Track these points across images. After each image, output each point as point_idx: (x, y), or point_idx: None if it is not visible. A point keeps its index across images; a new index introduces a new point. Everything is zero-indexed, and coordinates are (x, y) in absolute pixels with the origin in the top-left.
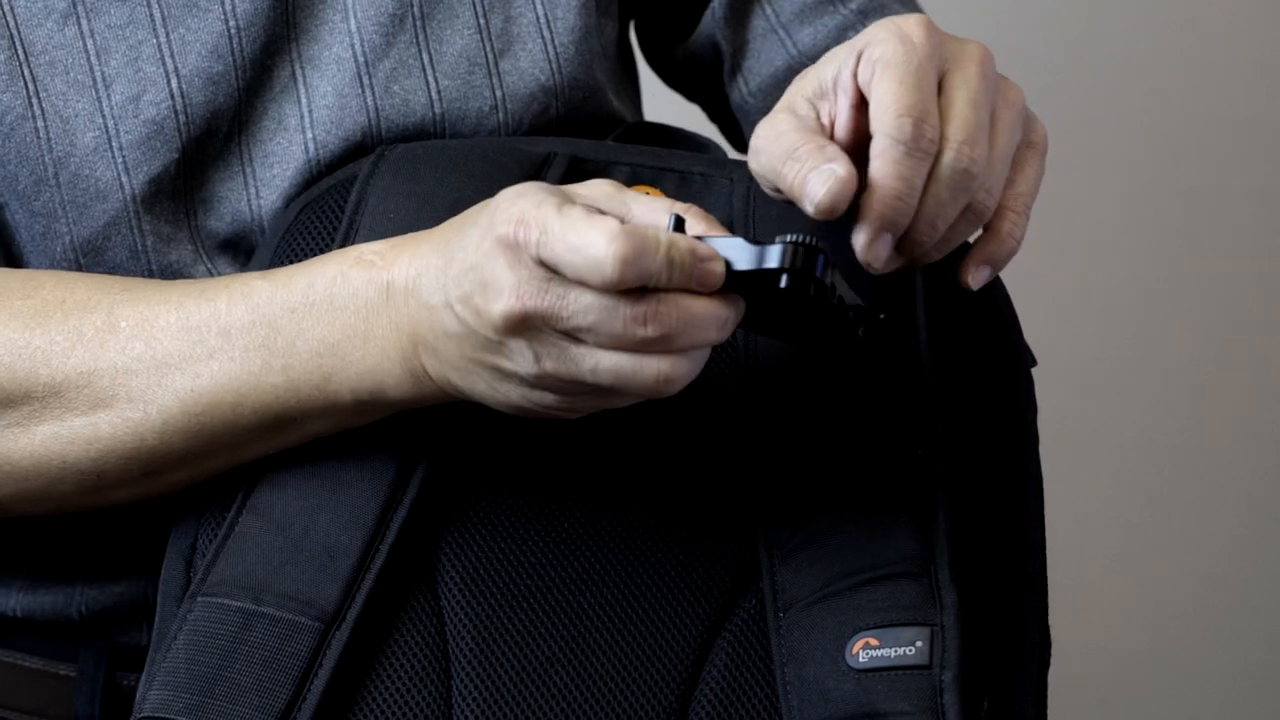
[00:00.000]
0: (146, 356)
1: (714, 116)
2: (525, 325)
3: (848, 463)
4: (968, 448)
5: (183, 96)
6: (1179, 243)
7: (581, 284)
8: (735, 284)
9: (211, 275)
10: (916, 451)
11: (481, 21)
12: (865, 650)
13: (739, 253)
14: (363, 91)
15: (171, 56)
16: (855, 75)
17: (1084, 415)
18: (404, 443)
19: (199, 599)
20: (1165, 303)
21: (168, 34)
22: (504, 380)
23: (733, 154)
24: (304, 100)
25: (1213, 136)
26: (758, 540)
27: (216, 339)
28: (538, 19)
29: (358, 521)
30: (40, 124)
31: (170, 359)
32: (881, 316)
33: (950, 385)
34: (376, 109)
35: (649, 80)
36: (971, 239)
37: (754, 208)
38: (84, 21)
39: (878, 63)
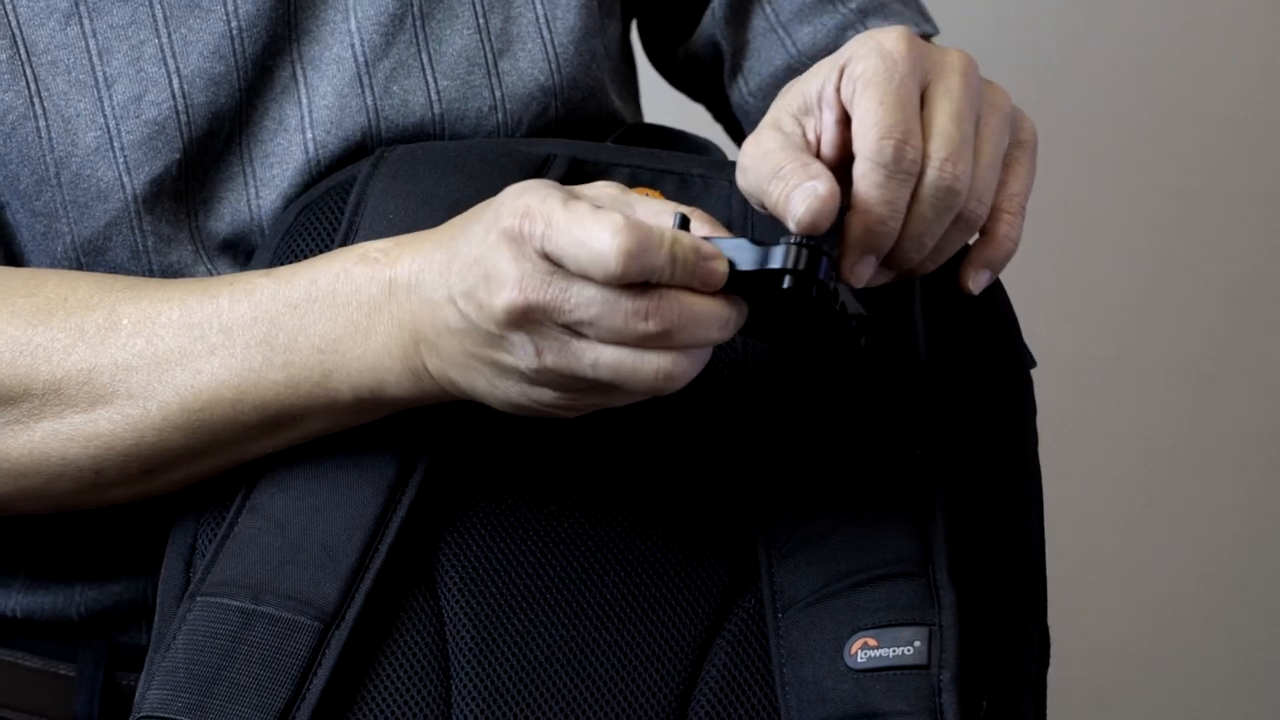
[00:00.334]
0: (147, 353)
1: (718, 116)
2: (527, 318)
3: (846, 463)
4: (967, 448)
5: (184, 97)
6: (1178, 243)
7: (585, 278)
8: (738, 285)
9: (212, 276)
10: (914, 452)
11: (481, 21)
12: (864, 650)
13: (743, 253)
14: (362, 92)
15: (173, 57)
16: (838, 90)
17: (1084, 415)
18: (403, 443)
19: (198, 599)
20: (1165, 303)
21: (169, 34)
22: (504, 376)
23: (733, 156)
24: (304, 100)
25: (1212, 136)
26: (756, 540)
27: (218, 335)
28: (537, 19)
29: (357, 521)
30: (42, 123)
31: (171, 355)
32: (881, 326)
33: (949, 386)
34: (376, 109)
35: (650, 81)
36: (971, 242)
37: (752, 210)
38: (86, 21)
39: (858, 80)
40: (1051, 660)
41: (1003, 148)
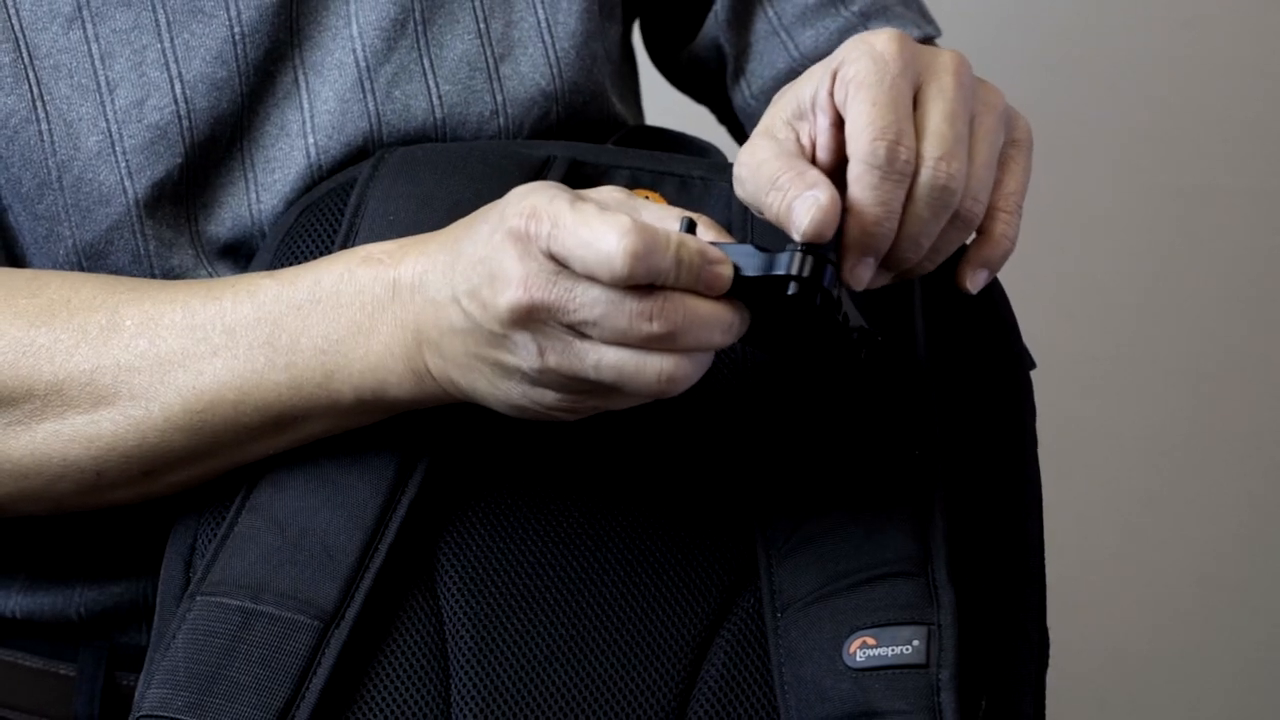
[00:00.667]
0: (150, 354)
1: (722, 119)
2: (531, 318)
3: (845, 463)
4: (966, 449)
5: (186, 102)
6: (1178, 243)
7: (590, 278)
8: (742, 290)
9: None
10: (914, 452)
11: (482, 26)
12: (862, 649)
13: (748, 259)
14: (364, 97)
15: (175, 62)
16: (831, 94)
17: (1083, 416)
18: (403, 443)
19: (198, 598)
20: (1164, 303)
21: (172, 39)
22: (506, 377)
23: (735, 158)
24: (306, 106)
25: (1212, 136)
26: (755, 540)
27: (221, 336)
28: (539, 23)
29: (357, 521)
30: (44, 127)
31: (174, 356)
32: (880, 339)
33: (948, 387)
34: (378, 114)
35: (651, 83)
36: (968, 241)
37: (752, 214)
38: (89, 26)
39: (850, 83)
40: (1051, 660)
41: (998, 146)
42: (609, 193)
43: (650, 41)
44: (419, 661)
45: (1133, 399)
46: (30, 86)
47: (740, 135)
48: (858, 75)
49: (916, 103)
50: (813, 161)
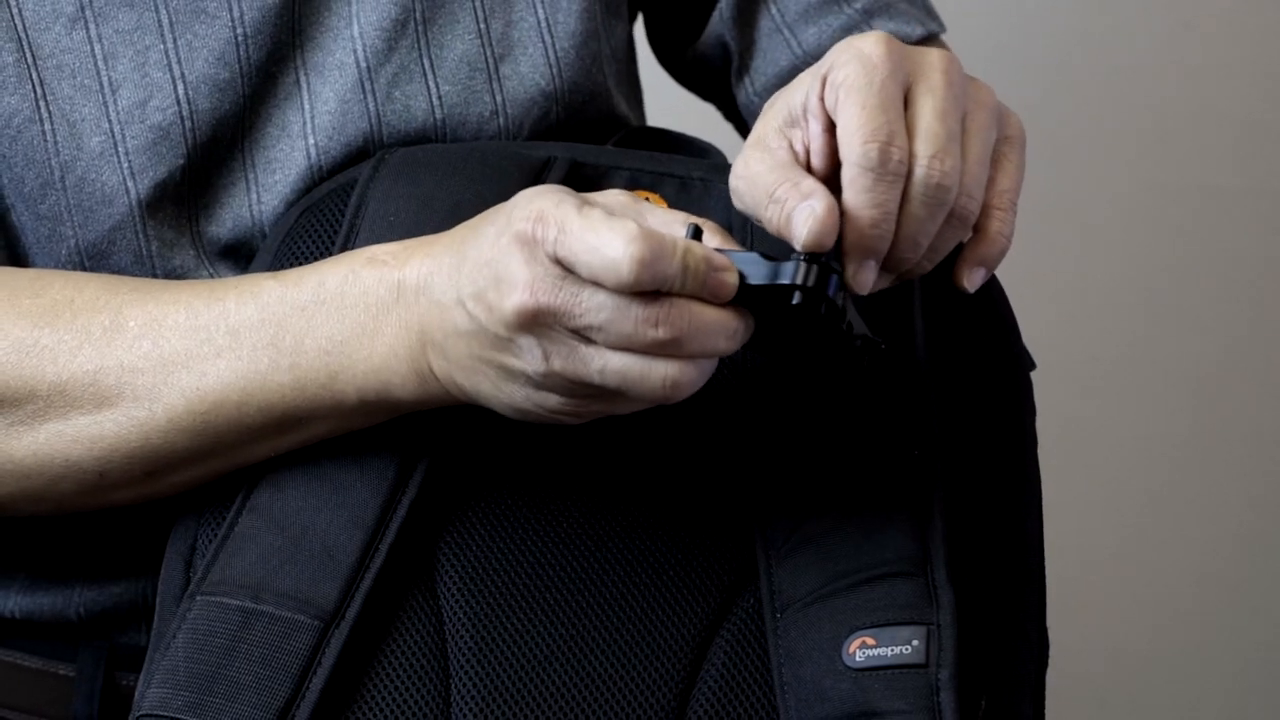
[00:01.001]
0: (153, 355)
1: (728, 116)
2: (536, 321)
3: (844, 463)
4: (966, 450)
5: (189, 103)
6: (1178, 243)
7: (596, 283)
8: (747, 298)
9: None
10: (913, 452)
11: (482, 26)
12: (862, 649)
13: (753, 266)
14: (365, 98)
15: (178, 62)
16: (822, 100)
17: (1083, 416)
18: (404, 443)
19: (198, 598)
20: (1164, 303)
21: (175, 40)
22: (510, 380)
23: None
24: (307, 106)
25: (1212, 136)
26: (755, 540)
27: (224, 338)
28: (538, 23)
29: (357, 521)
30: (47, 127)
31: (177, 357)
32: (883, 347)
33: (948, 387)
34: (378, 115)
35: (653, 83)
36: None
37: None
38: (92, 26)
39: (840, 87)
40: (1051, 660)
41: (990, 143)
42: (614, 196)
43: (655, 39)
44: (419, 661)
45: (1133, 399)
46: (34, 87)
47: (745, 132)
48: (847, 79)
49: (907, 103)
50: (807, 169)
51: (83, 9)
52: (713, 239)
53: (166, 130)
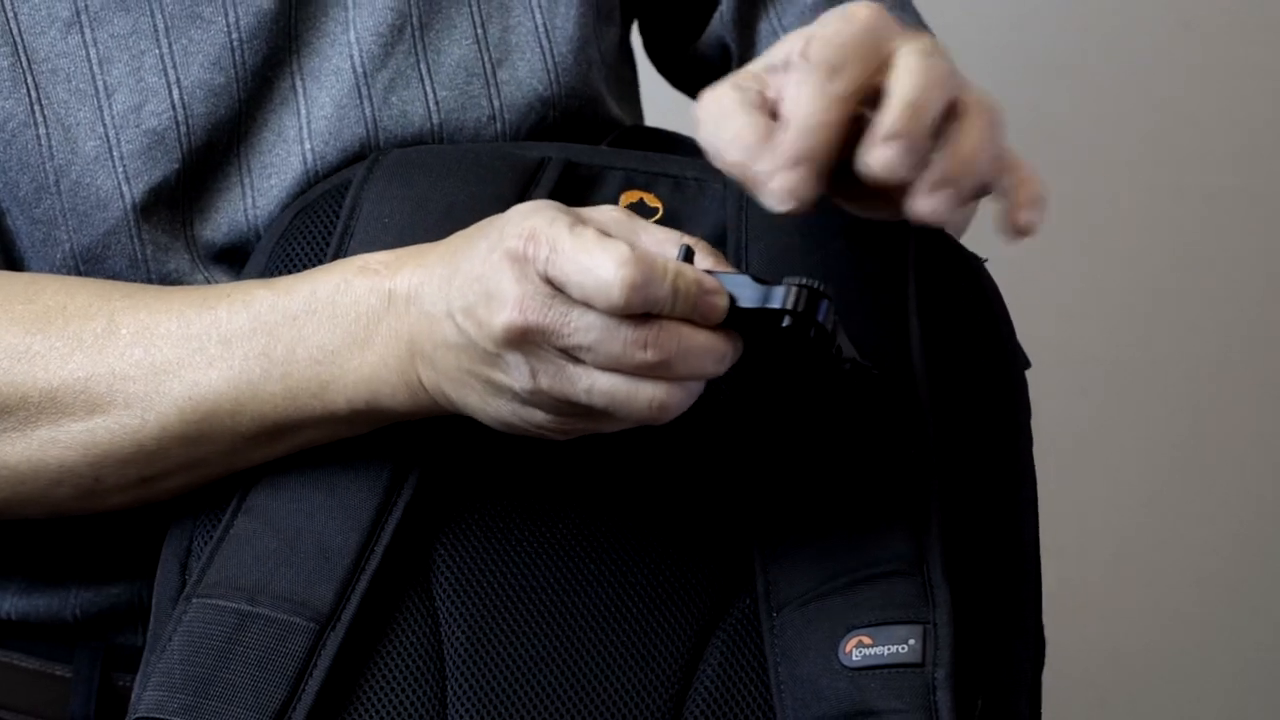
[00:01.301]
0: (145, 363)
1: None
2: (525, 339)
3: (840, 462)
4: (961, 449)
5: (184, 107)
6: (1177, 243)
7: (585, 304)
8: (737, 320)
9: (209, 284)
10: (908, 451)
11: (479, 31)
12: (858, 649)
13: (744, 289)
14: (361, 103)
15: (174, 67)
16: (804, 55)
17: (1083, 416)
18: (399, 445)
19: (194, 600)
20: (1164, 304)
21: (170, 44)
22: (497, 394)
23: None
24: (303, 112)
25: (1212, 136)
26: (750, 540)
27: (217, 347)
28: (536, 28)
29: (352, 523)
30: (42, 131)
31: (169, 366)
32: (875, 373)
33: (943, 386)
34: (375, 120)
35: (651, 84)
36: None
37: (746, 214)
38: (87, 30)
39: (815, 38)
40: (1049, 660)
41: (992, 122)
42: (609, 213)
43: (650, 42)
44: (414, 663)
45: (1133, 399)
46: (29, 90)
47: None
48: (822, 31)
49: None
50: (774, 116)
51: (78, 13)
52: (705, 260)
53: (161, 135)
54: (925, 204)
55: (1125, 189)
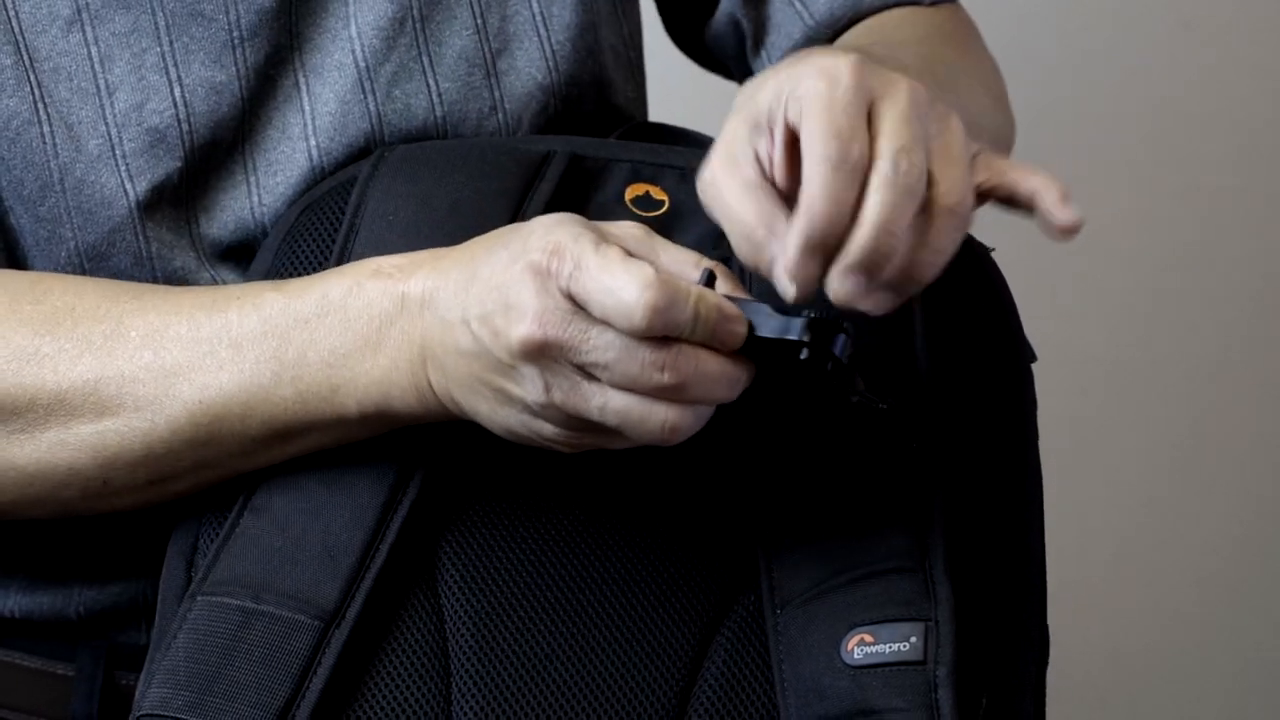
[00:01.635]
0: (155, 366)
1: None
2: (542, 353)
3: (843, 458)
4: (966, 443)
5: (185, 105)
6: (1178, 243)
7: (605, 323)
8: (754, 348)
9: (215, 281)
10: (911, 446)
11: (479, 21)
12: (860, 646)
13: (762, 318)
14: (365, 97)
15: (175, 65)
16: (786, 115)
17: (1084, 415)
18: (405, 444)
19: (199, 598)
20: (1166, 302)
21: (171, 42)
22: (507, 404)
23: None
24: (307, 108)
25: (1212, 136)
26: (755, 538)
27: (227, 351)
28: (533, 16)
29: (358, 521)
30: (46, 129)
31: (179, 369)
32: (883, 406)
33: (947, 379)
34: (379, 114)
35: (654, 78)
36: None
37: None
38: (88, 29)
39: (803, 99)
40: (1051, 659)
41: (967, 145)
42: (629, 229)
43: (670, 22)
44: (420, 660)
45: (1133, 399)
46: (32, 89)
47: None
48: (809, 92)
49: (871, 115)
50: (771, 180)
51: (79, 11)
52: (724, 285)
53: (163, 133)
54: (1069, 216)
55: (1125, 189)
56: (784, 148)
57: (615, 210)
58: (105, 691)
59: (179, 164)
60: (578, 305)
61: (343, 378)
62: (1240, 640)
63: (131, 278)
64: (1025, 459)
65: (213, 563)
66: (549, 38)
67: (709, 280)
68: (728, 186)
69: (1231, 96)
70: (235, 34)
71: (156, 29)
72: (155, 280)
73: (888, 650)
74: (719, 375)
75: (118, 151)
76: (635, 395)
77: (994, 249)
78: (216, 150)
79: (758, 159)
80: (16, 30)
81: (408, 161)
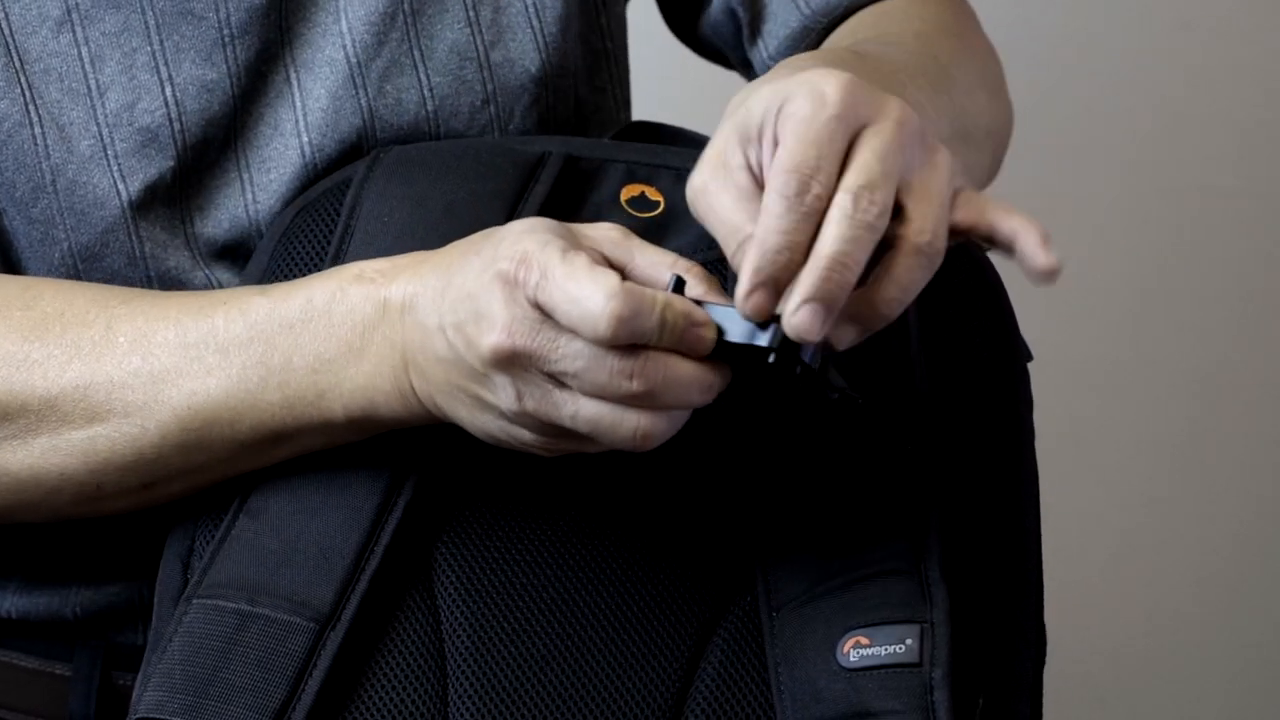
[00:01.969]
0: (143, 371)
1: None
2: (512, 362)
3: (838, 461)
4: (961, 443)
5: (177, 104)
6: (1178, 243)
7: (573, 332)
8: (724, 353)
9: (210, 281)
10: (906, 447)
11: (471, 14)
12: (856, 649)
13: (733, 323)
14: (356, 93)
15: (165, 64)
16: (776, 127)
17: (1083, 416)
18: (400, 447)
19: (194, 601)
20: (1165, 301)
21: (162, 42)
22: (484, 410)
23: None
24: (298, 104)
25: (1212, 136)
26: (750, 540)
27: (214, 356)
28: (526, 7)
29: (353, 523)
30: (37, 131)
31: (167, 374)
32: (860, 402)
33: (943, 380)
34: (370, 109)
35: (647, 76)
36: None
37: None
38: (78, 29)
39: (787, 118)
40: (1049, 659)
41: (950, 184)
42: (606, 231)
43: (667, 13)
44: (416, 662)
45: (1132, 399)
46: (22, 91)
47: None
48: (795, 112)
49: (854, 141)
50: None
51: (69, 12)
52: (696, 288)
53: (155, 132)
54: (1050, 261)
55: (1124, 188)
56: (772, 160)
57: (611, 211)
58: (102, 692)
59: (171, 163)
60: (545, 314)
61: (328, 383)
62: (1240, 640)
63: (125, 278)
64: (1021, 459)
65: (208, 565)
66: (542, 30)
67: (678, 286)
68: (718, 194)
69: (1231, 96)
70: (225, 31)
71: (146, 28)
72: (149, 280)
73: (883, 653)
74: (690, 381)
75: (109, 152)
76: (606, 403)
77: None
78: (209, 149)
79: (749, 167)
80: (6, 32)
81: (403, 163)
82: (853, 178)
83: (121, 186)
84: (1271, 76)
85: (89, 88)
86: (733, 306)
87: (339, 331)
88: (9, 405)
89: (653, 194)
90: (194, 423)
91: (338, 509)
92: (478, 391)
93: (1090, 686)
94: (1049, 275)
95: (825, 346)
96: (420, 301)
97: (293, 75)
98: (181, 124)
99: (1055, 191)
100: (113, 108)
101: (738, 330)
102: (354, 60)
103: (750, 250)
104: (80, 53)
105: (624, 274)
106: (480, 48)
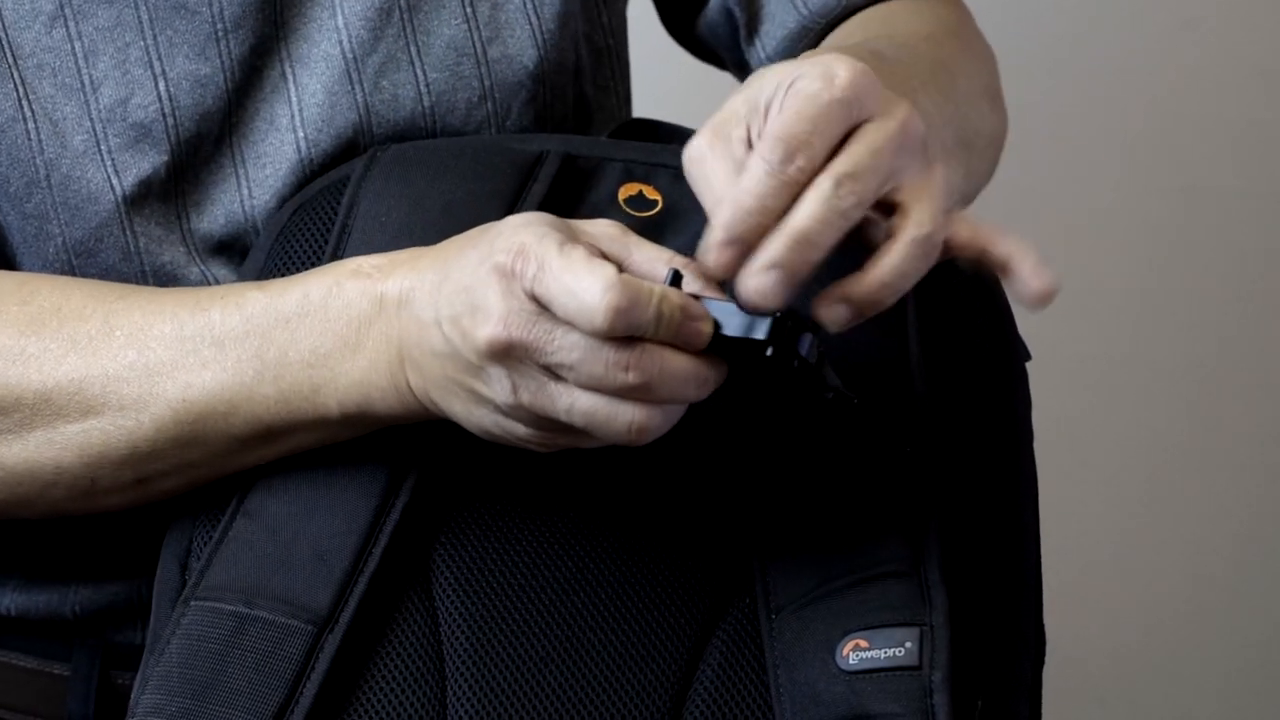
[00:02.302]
0: (139, 365)
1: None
2: (508, 354)
3: (837, 462)
4: (960, 444)
5: (170, 99)
6: (1177, 242)
7: (569, 324)
8: (721, 347)
9: (205, 277)
10: (905, 449)
11: (469, 10)
12: (855, 652)
13: (729, 317)
14: (352, 88)
15: (159, 59)
16: (782, 102)
17: (1082, 415)
18: (397, 448)
19: (192, 603)
20: (1163, 303)
21: (155, 36)
22: (479, 404)
23: None
24: (294, 99)
25: (1211, 136)
26: (750, 542)
27: (210, 350)
28: (525, 3)
29: (350, 526)
30: (31, 126)
31: (163, 368)
32: (856, 401)
33: (941, 380)
34: (366, 105)
35: (645, 75)
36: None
37: None
38: (71, 24)
39: (792, 93)
40: (1049, 660)
41: (948, 192)
42: (603, 227)
43: (664, 13)
44: (414, 664)
45: (1132, 399)
46: (16, 85)
47: None
48: (802, 88)
49: (853, 130)
50: None
51: (62, 7)
52: (694, 282)
53: (148, 127)
54: (1044, 283)
55: (1124, 188)
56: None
57: (609, 210)
58: (101, 691)
59: (165, 158)
60: (542, 306)
61: (323, 378)
62: (1239, 640)
63: (120, 273)
64: (1020, 459)
65: (205, 567)
66: (540, 25)
67: (675, 280)
68: (714, 164)
69: (1231, 96)
70: (219, 26)
71: (140, 23)
72: (144, 275)
73: (883, 656)
74: (686, 375)
75: (103, 147)
76: (602, 396)
77: None
78: (203, 144)
79: (749, 140)
80: None
81: (400, 162)
82: (840, 163)
83: (115, 181)
84: (1272, 76)
85: (82, 83)
86: (730, 302)
87: (335, 326)
88: (4, 399)
89: (650, 193)
90: (188, 416)
91: (335, 511)
92: (473, 385)
93: (1088, 687)
94: (1044, 299)
95: (821, 341)
96: (417, 296)
97: (288, 70)
98: (175, 119)
99: (1054, 191)
100: (106, 103)
101: (734, 325)
102: (350, 55)
103: (724, 207)
104: (73, 48)
105: (621, 269)
106: (477, 43)
